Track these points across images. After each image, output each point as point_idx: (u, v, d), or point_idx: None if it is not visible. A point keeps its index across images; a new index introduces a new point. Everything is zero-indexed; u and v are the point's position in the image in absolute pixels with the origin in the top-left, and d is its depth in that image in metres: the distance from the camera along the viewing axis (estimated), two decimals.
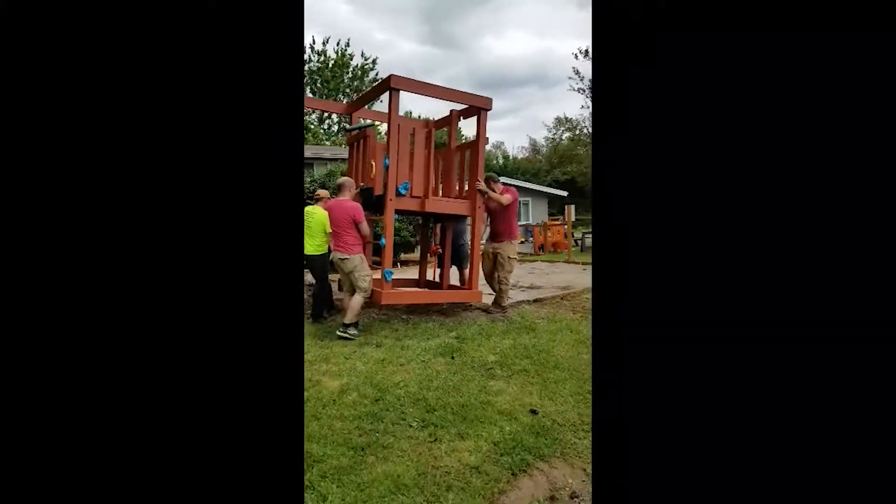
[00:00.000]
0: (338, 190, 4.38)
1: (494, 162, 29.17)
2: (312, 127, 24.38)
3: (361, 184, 4.75)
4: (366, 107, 5.41)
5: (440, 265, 5.44)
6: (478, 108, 4.66)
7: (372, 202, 4.59)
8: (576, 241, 12.74)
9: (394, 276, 4.80)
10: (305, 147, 17.19)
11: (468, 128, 18.58)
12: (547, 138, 32.57)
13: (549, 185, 21.49)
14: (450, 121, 4.95)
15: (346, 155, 11.88)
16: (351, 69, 25.37)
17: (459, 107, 4.82)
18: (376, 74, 25.73)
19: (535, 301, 5.44)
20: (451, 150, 5.00)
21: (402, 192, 4.29)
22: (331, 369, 3.21)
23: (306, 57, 24.83)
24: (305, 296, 5.49)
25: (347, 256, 4.16)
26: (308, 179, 9.05)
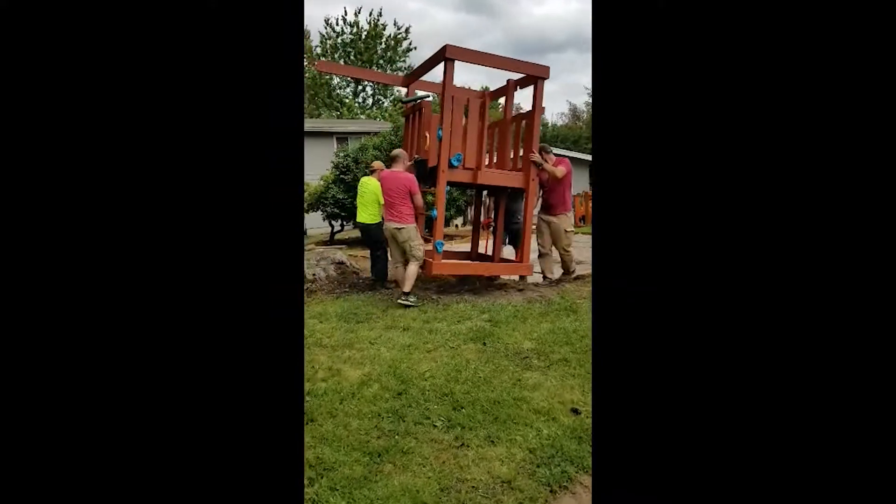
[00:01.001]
0: (391, 161, 4.44)
1: None
2: (347, 101, 24.17)
3: (416, 155, 4.74)
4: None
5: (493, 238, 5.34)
6: (535, 77, 4.44)
7: (426, 174, 4.58)
8: None
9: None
10: (338, 122, 17.03)
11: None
12: (588, 103, 31.13)
13: (591, 153, 20.50)
14: (506, 91, 4.72)
15: (378, 128, 11.82)
16: (384, 39, 24.83)
17: (515, 76, 4.59)
18: (409, 44, 25.12)
19: (577, 278, 5.04)
20: (506, 120, 4.78)
21: (455, 163, 4.22)
22: (353, 356, 3.00)
23: (339, 29, 24.50)
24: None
25: (403, 226, 4.22)
26: (341, 154, 9.04)
